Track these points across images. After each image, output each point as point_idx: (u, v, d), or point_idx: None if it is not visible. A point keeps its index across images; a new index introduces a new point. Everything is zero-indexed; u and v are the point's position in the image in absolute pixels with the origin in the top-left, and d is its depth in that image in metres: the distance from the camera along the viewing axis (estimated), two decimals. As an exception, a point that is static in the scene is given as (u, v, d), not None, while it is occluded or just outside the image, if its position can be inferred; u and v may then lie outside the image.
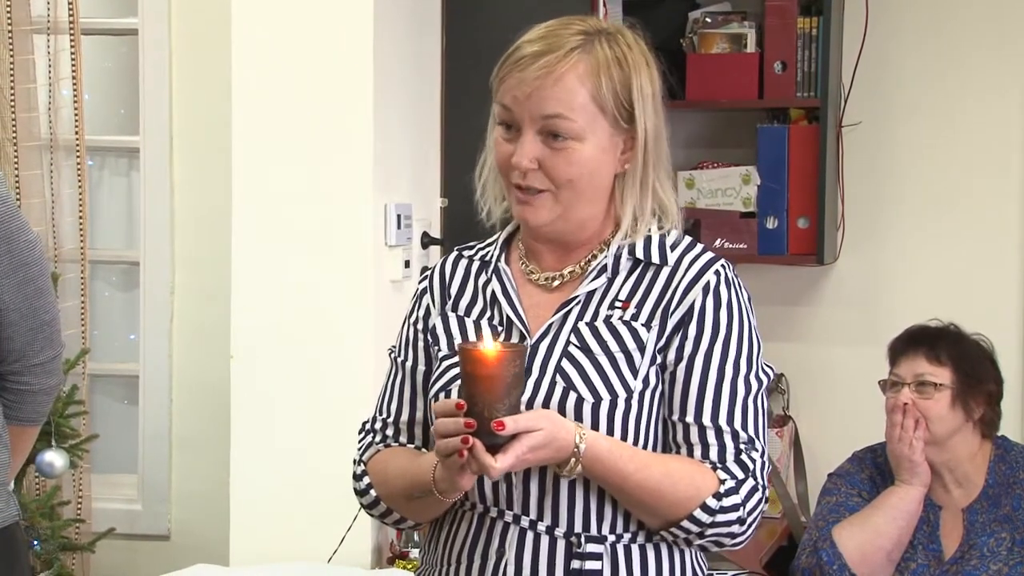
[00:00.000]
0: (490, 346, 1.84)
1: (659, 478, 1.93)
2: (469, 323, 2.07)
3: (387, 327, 3.47)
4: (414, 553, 3.44)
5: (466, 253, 2.16)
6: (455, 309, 2.10)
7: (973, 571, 3.31)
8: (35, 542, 3.82)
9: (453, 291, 2.12)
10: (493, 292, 2.07)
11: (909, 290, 4.28)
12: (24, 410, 2.74)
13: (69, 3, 4.28)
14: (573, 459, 1.89)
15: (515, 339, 2.02)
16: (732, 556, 3.52)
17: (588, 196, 2.00)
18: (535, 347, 2.00)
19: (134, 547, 4.51)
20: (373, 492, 2.10)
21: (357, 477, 2.12)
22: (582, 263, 2.05)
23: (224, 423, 3.54)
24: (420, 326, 2.13)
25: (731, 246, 4.10)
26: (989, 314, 3.97)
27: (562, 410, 1.94)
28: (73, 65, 4.33)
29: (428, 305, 2.13)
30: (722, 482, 1.94)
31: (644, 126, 1.99)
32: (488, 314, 2.07)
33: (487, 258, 2.12)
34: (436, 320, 2.11)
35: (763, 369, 2.02)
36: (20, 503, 2.76)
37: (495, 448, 1.83)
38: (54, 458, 3.75)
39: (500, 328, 2.04)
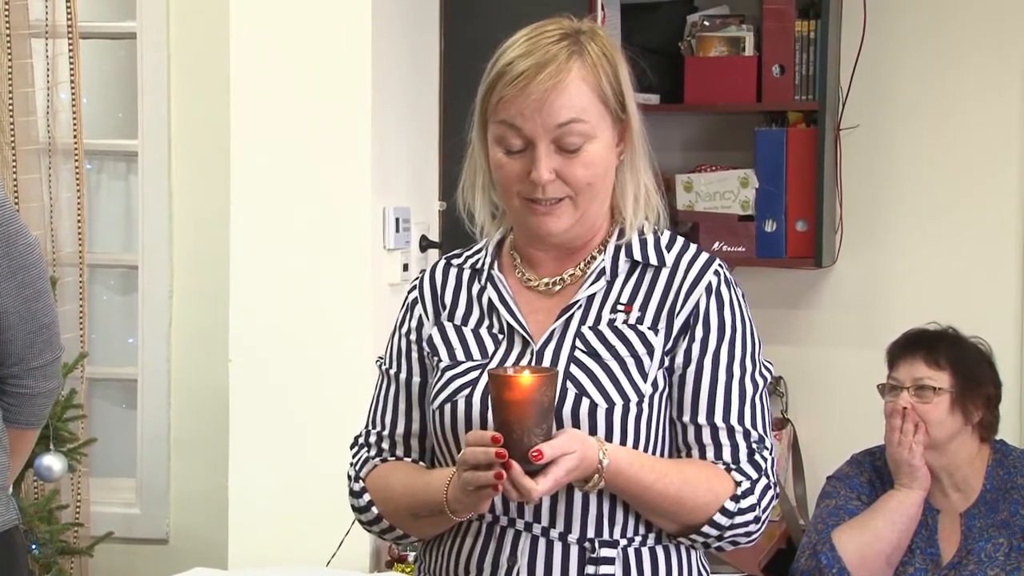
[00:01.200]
0: (525, 372, 1.84)
1: (679, 485, 1.94)
2: (468, 333, 2.06)
3: (386, 330, 3.43)
4: (412, 556, 3.44)
5: (455, 261, 2.14)
6: (451, 319, 2.09)
7: (972, 575, 3.32)
8: (34, 546, 3.82)
9: (447, 300, 2.10)
10: (490, 300, 2.06)
11: (908, 293, 4.28)
12: (23, 413, 2.74)
13: (67, 7, 4.28)
14: (597, 475, 1.90)
15: (517, 346, 2.02)
16: (731, 559, 3.52)
17: (602, 195, 2.02)
18: (540, 354, 1.99)
19: (133, 551, 4.51)
20: (375, 509, 2.08)
21: (356, 494, 2.10)
22: (581, 266, 2.05)
23: (223, 426, 3.54)
24: (413, 337, 2.11)
25: (729, 249, 4.10)
26: (988, 317, 3.97)
27: (575, 416, 1.94)
28: (71, 69, 4.33)
29: (420, 315, 2.12)
30: (738, 484, 1.96)
31: (635, 115, 2.02)
32: (487, 323, 2.06)
33: (478, 266, 2.10)
34: (432, 331, 2.09)
35: (765, 367, 2.04)
36: (18, 507, 2.76)
37: (531, 472, 1.84)
38: (52, 462, 3.75)
39: (501, 336, 2.04)
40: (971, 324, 3.93)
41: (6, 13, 4.25)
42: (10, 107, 4.28)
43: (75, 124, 4.36)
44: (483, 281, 2.08)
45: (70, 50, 4.32)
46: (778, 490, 2.00)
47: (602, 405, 1.94)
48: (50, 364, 2.74)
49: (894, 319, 4.27)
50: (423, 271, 2.18)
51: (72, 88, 4.34)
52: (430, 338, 2.09)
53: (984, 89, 4.21)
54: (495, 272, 2.07)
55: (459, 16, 3.79)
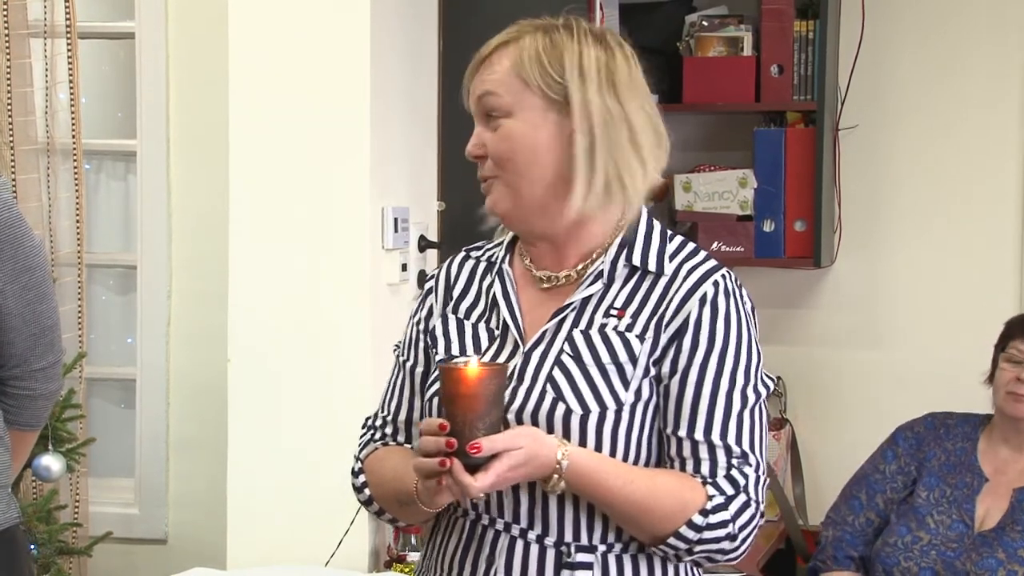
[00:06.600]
0: (472, 365, 1.83)
1: (644, 493, 1.91)
2: (468, 326, 2.07)
3: (384, 330, 3.46)
4: (412, 556, 3.44)
5: (473, 254, 2.15)
6: (455, 311, 2.09)
7: (1012, 543, 3.41)
8: (32, 546, 3.81)
9: (456, 292, 2.11)
10: (494, 295, 2.07)
11: (906, 292, 4.28)
12: (24, 415, 2.74)
13: (66, 7, 4.28)
14: (556, 475, 1.89)
15: (509, 345, 2.02)
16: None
17: (534, 176, 1.98)
18: (528, 354, 1.99)
19: (131, 551, 4.50)
20: (368, 491, 2.11)
21: (355, 474, 2.13)
22: (579, 268, 2.04)
23: (221, 426, 3.54)
24: (422, 327, 2.13)
25: (728, 249, 4.11)
26: (986, 316, 3.97)
27: (550, 420, 1.93)
28: (70, 69, 4.33)
29: (432, 305, 2.13)
30: (710, 498, 1.91)
31: (581, 101, 1.96)
32: (487, 317, 2.06)
33: (493, 259, 2.11)
34: (436, 321, 2.10)
35: (762, 381, 1.98)
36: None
37: (476, 467, 1.83)
38: (51, 462, 3.74)
39: (496, 332, 2.04)
40: (969, 324, 3.94)
41: (4, 13, 4.25)
42: (8, 107, 4.27)
43: (74, 124, 4.36)
44: (493, 275, 2.09)
45: (69, 50, 4.32)
46: (761, 509, 1.94)
47: (576, 411, 1.93)
48: (52, 366, 2.74)
49: (893, 319, 4.29)
50: (445, 262, 2.19)
51: (71, 88, 4.34)
52: (433, 329, 2.10)
53: (983, 88, 4.21)
54: (505, 266, 2.08)
55: (458, 15, 3.79)
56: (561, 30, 2.00)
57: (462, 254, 2.16)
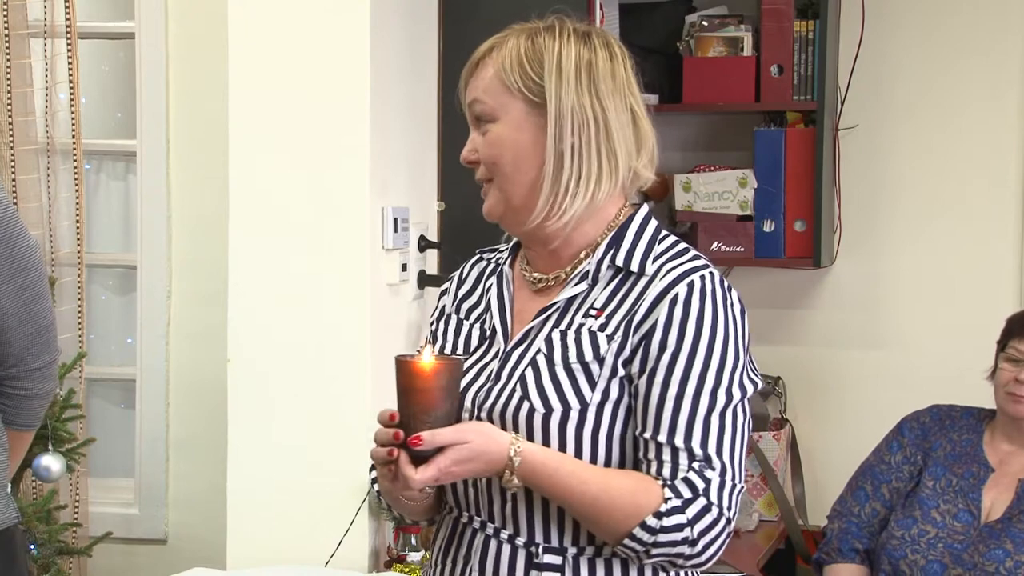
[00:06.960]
0: (421, 359, 1.85)
1: (597, 493, 1.89)
2: (465, 326, 2.10)
3: (384, 330, 3.46)
4: (412, 556, 3.44)
5: (487, 255, 2.18)
6: (458, 311, 2.13)
7: (1020, 533, 3.40)
8: (32, 546, 3.81)
9: (461, 293, 2.15)
10: (490, 297, 2.09)
11: (906, 293, 4.28)
12: (21, 415, 2.74)
13: (66, 7, 4.28)
14: (508, 471, 1.89)
15: (496, 345, 2.03)
16: (729, 558, 3.52)
17: (520, 179, 1.99)
18: (509, 354, 2.00)
19: (131, 551, 4.51)
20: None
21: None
22: (567, 269, 2.04)
23: (221, 426, 3.54)
24: (434, 327, 2.16)
25: (728, 249, 4.11)
26: (986, 316, 3.97)
27: (515, 419, 1.94)
28: (70, 69, 4.33)
29: (444, 306, 2.17)
30: (666, 500, 1.88)
31: (555, 102, 1.96)
32: (483, 318, 2.09)
33: (499, 261, 2.13)
34: (441, 322, 2.14)
35: (740, 383, 1.93)
36: (17, 507, 2.76)
37: (423, 459, 1.85)
38: (51, 462, 3.74)
39: (488, 332, 2.06)
40: (969, 324, 3.94)
41: (4, 13, 4.25)
42: (8, 107, 4.28)
43: (73, 124, 4.36)
44: (495, 276, 2.11)
45: (68, 50, 4.32)
46: (728, 515, 1.89)
47: (539, 410, 1.93)
48: (48, 366, 2.74)
49: (893, 319, 4.28)
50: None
51: (71, 88, 4.34)
52: (435, 330, 2.14)
53: (982, 88, 4.21)
54: (505, 268, 2.10)
55: (458, 16, 3.79)
56: (543, 32, 2.01)
57: (476, 256, 2.19)
